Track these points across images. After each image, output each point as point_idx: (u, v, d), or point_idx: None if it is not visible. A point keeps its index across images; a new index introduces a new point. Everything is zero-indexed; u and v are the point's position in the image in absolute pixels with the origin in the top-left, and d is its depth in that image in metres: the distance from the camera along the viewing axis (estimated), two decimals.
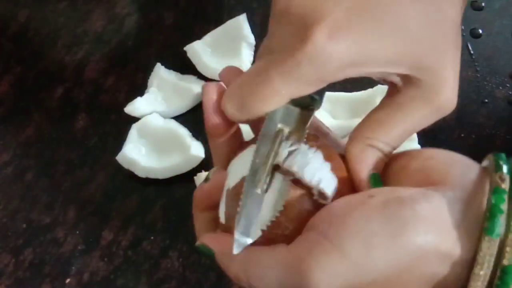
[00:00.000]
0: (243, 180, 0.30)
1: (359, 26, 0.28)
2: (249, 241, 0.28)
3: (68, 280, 0.52)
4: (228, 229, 0.31)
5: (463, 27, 0.61)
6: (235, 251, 0.28)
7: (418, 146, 0.53)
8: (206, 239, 0.32)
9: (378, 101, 0.56)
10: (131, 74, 0.61)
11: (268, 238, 0.29)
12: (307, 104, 0.31)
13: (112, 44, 0.64)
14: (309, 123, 0.30)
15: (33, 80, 0.62)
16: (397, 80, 0.30)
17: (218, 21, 0.62)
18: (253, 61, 0.59)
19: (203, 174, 0.54)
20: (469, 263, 0.26)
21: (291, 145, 0.29)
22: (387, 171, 0.31)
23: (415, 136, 0.53)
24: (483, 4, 0.61)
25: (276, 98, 0.29)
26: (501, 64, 0.58)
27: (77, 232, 0.54)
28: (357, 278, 0.26)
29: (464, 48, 0.59)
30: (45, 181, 0.57)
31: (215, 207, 0.33)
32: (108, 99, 0.60)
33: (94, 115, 0.60)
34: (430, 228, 0.26)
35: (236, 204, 0.29)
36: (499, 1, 0.62)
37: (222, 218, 0.32)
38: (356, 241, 0.26)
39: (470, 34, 0.60)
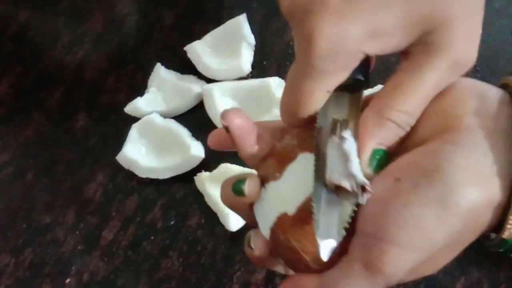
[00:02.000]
0: (272, 230, 0.29)
1: (363, 2, 0.27)
2: (335, 243, 0.28)
3: (68, 280, 0.52)
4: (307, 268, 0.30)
5: None
6: (324, 257, 0.27)
7: None
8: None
9: None
10: (131, 74, 0.61)
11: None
12: (353, 86, 0.30)
13: (112, 44, 0.64)
14: (360, 105, 0.30)
15: (33, 80, 0.62)
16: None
17: (218, 21, 0.62)
18: (253, 61, 0.59)
19: (203, 174, 0.54)
20: (508, 205, 0.26)
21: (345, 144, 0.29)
22: None
23: None
24: None
25: (314, 98, 0.29)
26: (501, 64, 0.58)
27: (77, 232, 0.54)
28: (421, 257, 0.26)
29: None
30: (45, 181, 0.57)
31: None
32: (108, 99, 0.60)
33: (94, 115, 0.60)
34: (467, 189, 0.26)
35: (284, 248, 0.29)
36: (499, 1, 0.62)
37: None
38: (406, 230, 0.26)
39: None
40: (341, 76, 0.28)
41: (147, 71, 0.60)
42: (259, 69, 0.59)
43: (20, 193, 0.56)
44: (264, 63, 0.60)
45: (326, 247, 0.27)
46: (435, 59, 0.28)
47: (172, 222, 0.54)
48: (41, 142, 0.59)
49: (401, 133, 0.29)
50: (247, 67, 0.58)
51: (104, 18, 0.65)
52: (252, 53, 0.60)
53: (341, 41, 0.27)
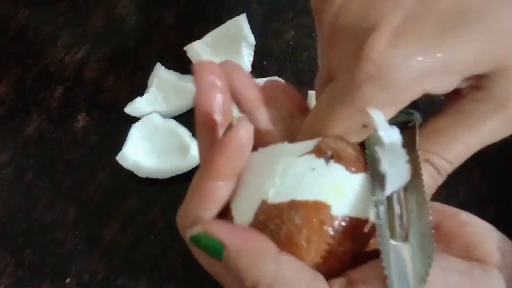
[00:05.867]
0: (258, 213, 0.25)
1: (428, 26, 0.23)
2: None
3: (68, 280, 0.52)
4: None
5: None
6: None
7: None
8: (217, 228, 0.23)
9: None
10: (131, 74, 0.61)
11: None
12: (404, 121, 0.27)
13: (112, 44, 0.64)
14: (417, 140, 0.26)
15: (33, 80, 0.62)
16: (463, 84, 0.25)
17: (218, 21, 0.62)
18: (253, 61, 0.59)
19: None
20: None
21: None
22: None
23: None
24: None
25: (346, 127, 0.25)
26: None
27: (77, 232, 0.54)
28: None
29: None
30: (45, 181, 0.57)
31: None
32: (108, 99, 0.60)
33: (94, 115, 0.60)
34: None
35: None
36: None
37: None
38: None
39: None
40: (389, 113, 0.24)
41: (147, 71, 0.60)
42: (259, 69, 0.59)
43: (20, 193, 0.56)
44: (264, 63, 0.60)
45: None
46: (489, 112, 0.25)
47: (172, 222, 0.53)
48: (41, 142, 0.59)
49: (439, 181, 0.26)
50: (247, 67, 0.58)
51: (104, 18, 0.65)
52: (252, 53, 0.60)
53: (401, 66, 0.22)
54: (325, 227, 0.24)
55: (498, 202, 0.52)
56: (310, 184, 0.24)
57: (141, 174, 0.55)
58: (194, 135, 0.57)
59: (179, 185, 0.55)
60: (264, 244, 0.23)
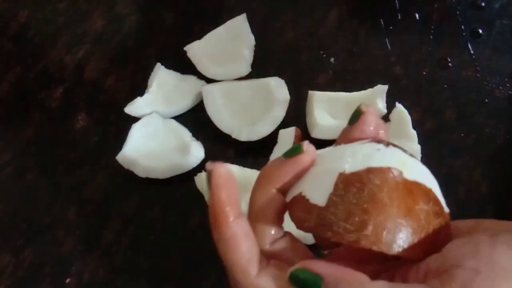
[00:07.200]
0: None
1: None
2: None
3: (68, 280, 0.52)
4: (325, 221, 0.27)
5: (463, 27, 0.61)
6: None
7: (418, 146, 0.53)
8: (314, 265, 0.27)
9: (378, 101, 0.56)
10: (131, 74, 0.61)
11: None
12: None
13: (112, 44, 0.64)
14: None
15: (33, 80, 0.62)
16: None
17: (218, 21, 0.62)
18: (253, 61, 0.59)
19: (203, 174, 0.54)
20: None
21: None
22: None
23: (415, 135, 0.53)
24: (483, 4, 0.61)
25: None
26: (501, 64, 0.58)
27: (77, 232, 0.54)
28: None
29: (464, 48, 0.59)
30: (45, 181, 0.57)
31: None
32: (108, 99, 0.60)
33: (94, 115, 0.60)
34: None
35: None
36: (499, 1, 0.62)
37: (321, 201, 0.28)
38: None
39: (470, 34, 0.60)
40: None
41: (147, 71, 0.60)
42: (259, 69, 0.59)
43: (20, 193, 0.56)
44: (264, 63, 0.60)
45: None
46: None
47: (172, 222, 0.54)
48: (41, 142, 0.59)
49: None
50: (247, 67, 0.58)
51: (104, 18, 0.65)
52: (252, 53, 0.60)
53: None
54: (401, 187, 0.27)
55: (498, 202, 0.52)
56: (379, 158, 0.28)
57: (141, 174, 0.55)
58: (194, 135, 0.57)
59: (179, 185, 0.55)
60: (357, 273, 0.26)
